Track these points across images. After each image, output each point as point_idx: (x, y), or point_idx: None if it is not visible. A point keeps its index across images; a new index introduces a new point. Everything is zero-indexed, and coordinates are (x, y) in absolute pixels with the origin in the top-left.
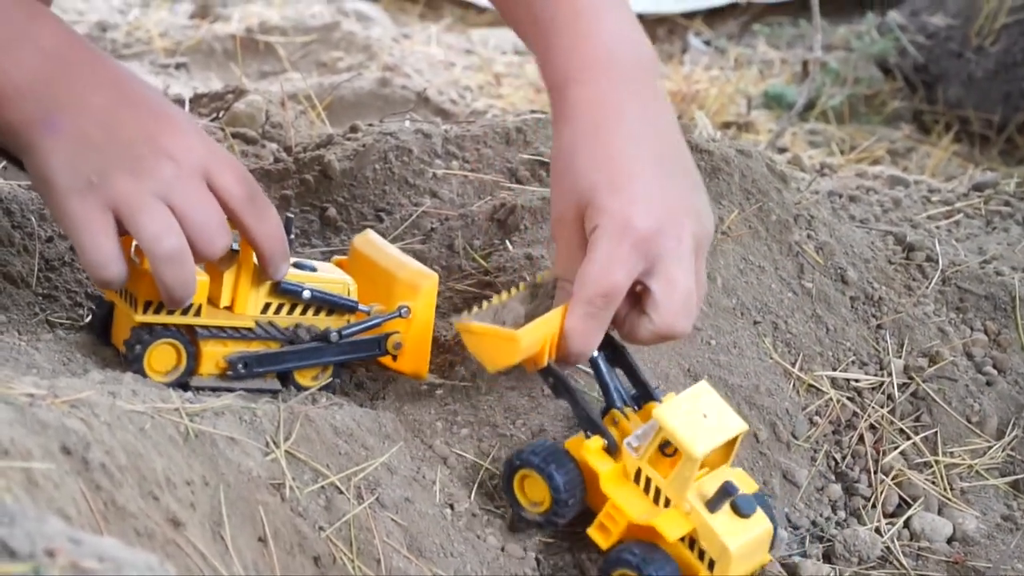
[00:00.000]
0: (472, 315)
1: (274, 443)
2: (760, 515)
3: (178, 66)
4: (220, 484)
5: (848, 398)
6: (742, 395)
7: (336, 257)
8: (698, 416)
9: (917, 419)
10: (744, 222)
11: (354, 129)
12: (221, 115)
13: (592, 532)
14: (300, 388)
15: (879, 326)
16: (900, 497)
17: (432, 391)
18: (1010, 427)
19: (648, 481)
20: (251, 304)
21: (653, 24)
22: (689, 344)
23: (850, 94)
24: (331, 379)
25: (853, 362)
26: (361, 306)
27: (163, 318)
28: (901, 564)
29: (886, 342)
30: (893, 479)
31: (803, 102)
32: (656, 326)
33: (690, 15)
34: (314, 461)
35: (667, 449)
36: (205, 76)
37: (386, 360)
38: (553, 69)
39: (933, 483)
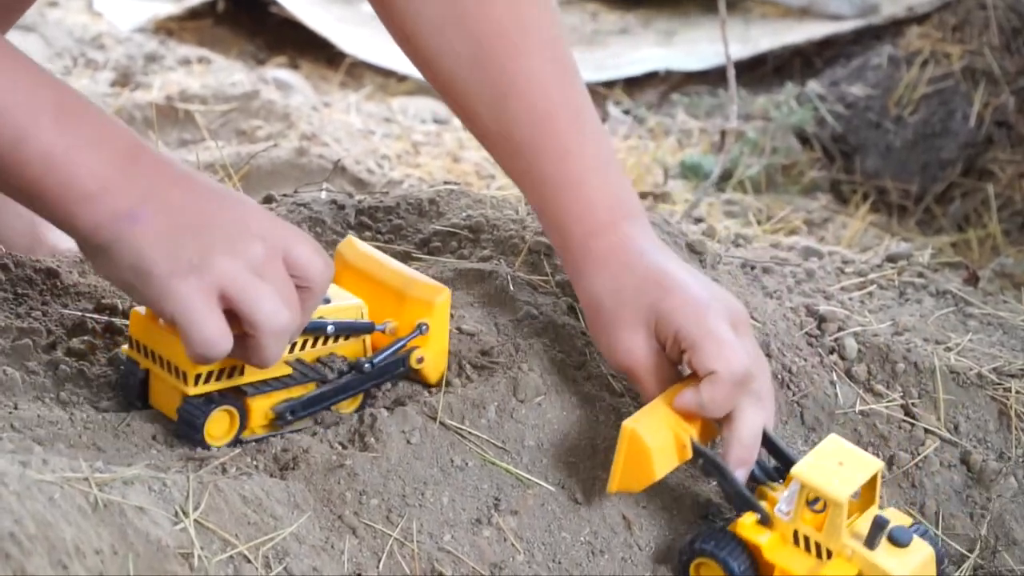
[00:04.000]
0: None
1: (183, 512)
2: (919, 542)
3: None
4: (129, 553)
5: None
6: None
7: None
8: (833, 465)
9: None
10: None
11: (268, 200)
12: None
13: None
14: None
15: (800, 400)
16: None
17: (341, 462)
18: None
19: (807, 539)
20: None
21: None
22: None
23: (768, 164)
24: (362, 404)
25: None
26: (378, 326)
27: (213, 385)
28: None
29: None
30: None
31: (719, 172)
32: (756, 393)
33: (610, 84)
34: (223, 531)
35: (816, 506)
36: None
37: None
38: (569, 226)
39: None
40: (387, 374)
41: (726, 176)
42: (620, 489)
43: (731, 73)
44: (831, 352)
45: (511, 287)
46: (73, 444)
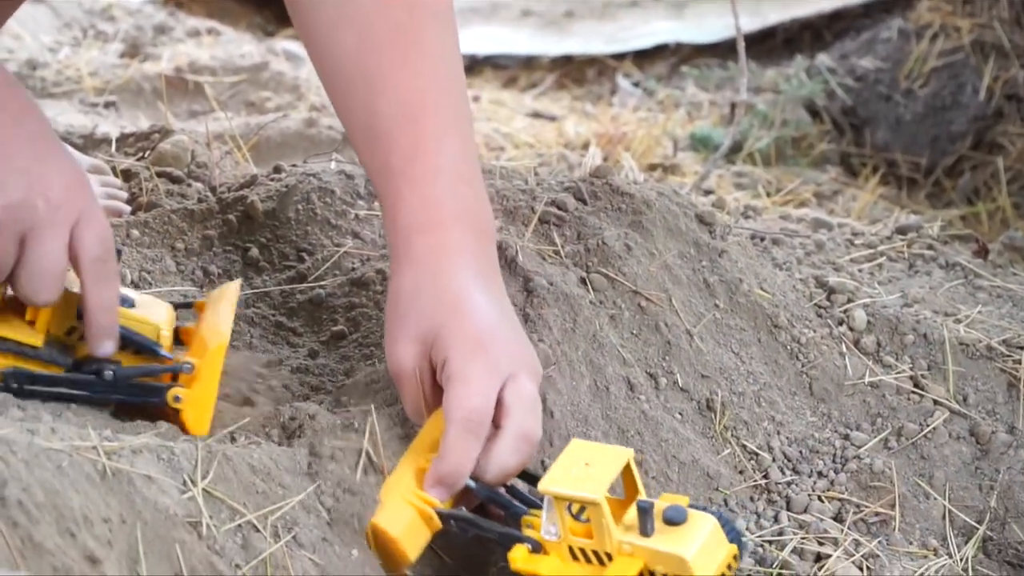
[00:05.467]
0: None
1: (191, 481)
2: (698, 516)
3: (107, 105)
4: (137, 522)
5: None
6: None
7: (200, 299)
8: (580, 467)
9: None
10: (664, 267)
11: (278, 170)
12: (147, 154)
13: None
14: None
15: (808, 371)
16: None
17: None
18: None
19: (582, 551)
20: (54, 322)
21: (583, 65)
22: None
23: (777, 137)
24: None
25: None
26: (164, 352)
27: None
28: None
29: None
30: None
31: (729, 144)
32: (511, 430)
33: (619, 56)
34: (231, 499)
35: (582, 515)
36: (134, 115)
37: (167, 412)
38: (399, 217)
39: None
40: (134, 395)
41: (736, 148)
42: (387, 572)
43: (741, 46)
44: (840, 323)
45: (520, 257)
46: (81, 413)
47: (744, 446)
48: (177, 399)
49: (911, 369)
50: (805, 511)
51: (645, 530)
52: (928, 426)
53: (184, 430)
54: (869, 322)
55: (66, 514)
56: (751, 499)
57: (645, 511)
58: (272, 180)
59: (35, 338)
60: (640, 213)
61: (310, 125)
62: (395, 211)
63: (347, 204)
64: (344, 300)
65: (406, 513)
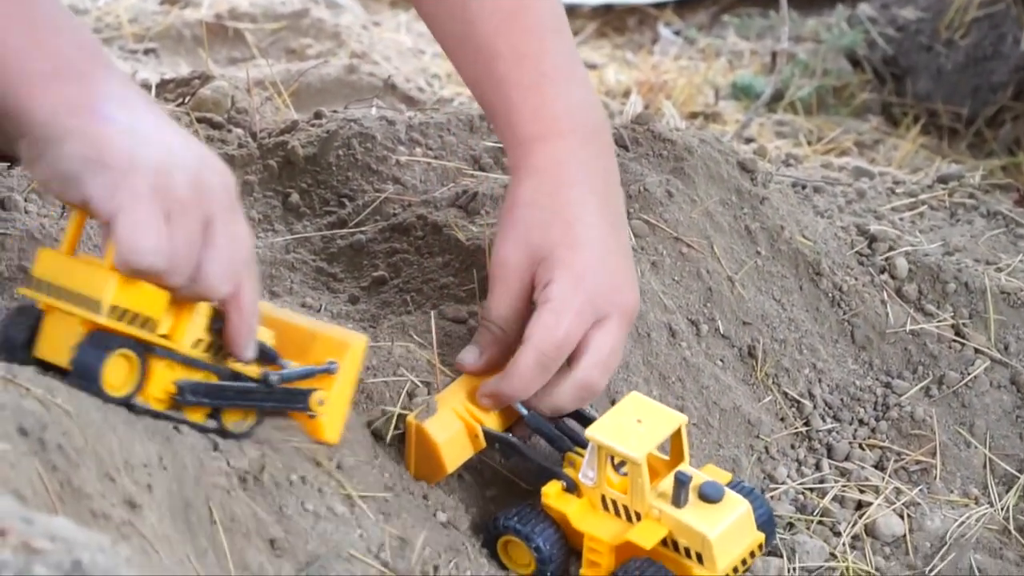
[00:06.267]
0: (424, 412)
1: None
2: (733, 497)
3: (147, 52)
4: (177, 467)
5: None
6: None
7: None
8: (631, 423)
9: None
10: (706, 214)
11: (319, 115)
12: (187, 100)
13: (584, 572)
14: (222, 430)
15: (850, 319)
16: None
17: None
18: None
19: (614, 503)
20: (188, 336)
21: (623, 14)
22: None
23: (818, 86)
24: (250, 428)
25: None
26: (280, 359)
27: (123, 326)
28: None
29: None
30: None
31: (770, 93)
32: (576, 377)
33: (661, 5)
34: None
35: (623, 468)
36: (174, 62)
37: (300, 417)
38: (517, 126)
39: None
40: (287, 402)
41: (777, 97)
42: (418, 478)
43: None
44: (882, 271)
45: None
46: None
47: (785, 393)
48: (321, 403)
49: (952, 317)
50: (846, 459)
51: (678, 500)
52: (969, 375)
53: (314, 436)
54: (910, 270)
55: (106, 459)
56: (792, 446)
57: (682, 483)
58: (313, 126)
59: (194, 351)
60: (682, 160)
61: (351, 72)
62: (513, 119)
63: (388, 150)
64: (385, 246)
65: (454, 425)
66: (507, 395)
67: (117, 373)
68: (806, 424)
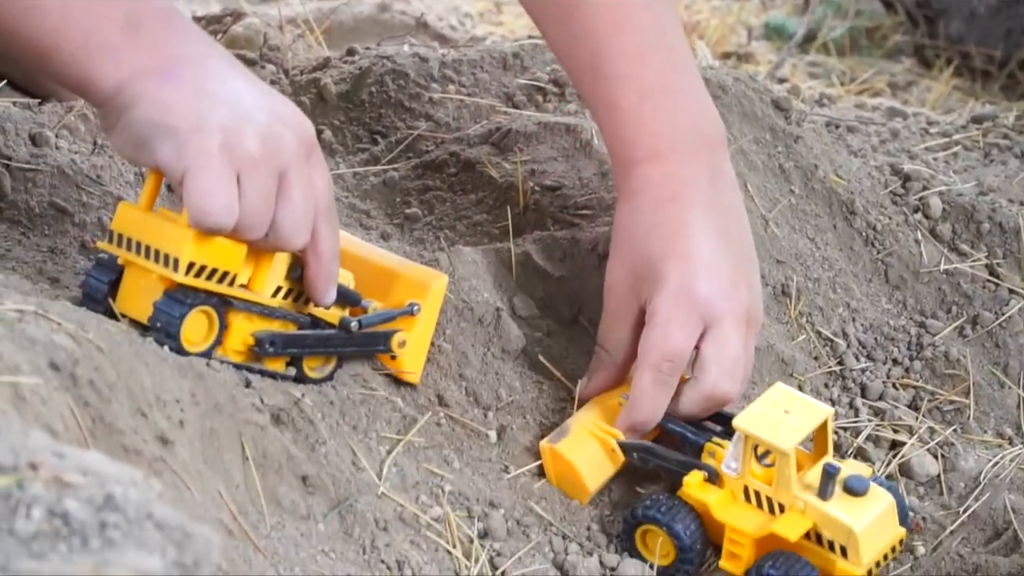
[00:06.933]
0: (557, 435)
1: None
2: (878, 491)
3: None
4: (209, 403)
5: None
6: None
7: None
8: (778, 414)
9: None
10: (739, 152)
11: (351, 52)
12: (219, 37)
13: (724, 564)
14: (303, 376)
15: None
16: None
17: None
18: None
19: (757, 494)
20: (268, 285)
21: None
22: None
23: (852, 27)
24: (332, 372)
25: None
26: (363, 300)
27: (201, 283)
28: None
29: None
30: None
31: (803, 33)
32: (701, 387)
33: None
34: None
35: (767, 460)
36: (204, 0)
37: (382, 357)
38: (619, 147)
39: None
40: (367, 347)
41: (810, 38)
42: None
43: None
44: (916, 211)
45: (596, 141)
46: None
47: (819, 332)
48: (402, 344)
49: (986, 257)
50: (880, 398)
51: (824, 493)
52: (1003, 315)
53: (397, 375)
54: (944, 210)
55: (138, 394)
56: (825, 385)
57: (831, 475)
58: (345, 63)
59: (271, 301)
60: (716, 98)
61: (383, 10)
62: (612, 144)
63: (421, 87)
64: (418, 183)
65: (589, 444)
66: (640, 420)
67: (196, 330)
68: (840, 363)
